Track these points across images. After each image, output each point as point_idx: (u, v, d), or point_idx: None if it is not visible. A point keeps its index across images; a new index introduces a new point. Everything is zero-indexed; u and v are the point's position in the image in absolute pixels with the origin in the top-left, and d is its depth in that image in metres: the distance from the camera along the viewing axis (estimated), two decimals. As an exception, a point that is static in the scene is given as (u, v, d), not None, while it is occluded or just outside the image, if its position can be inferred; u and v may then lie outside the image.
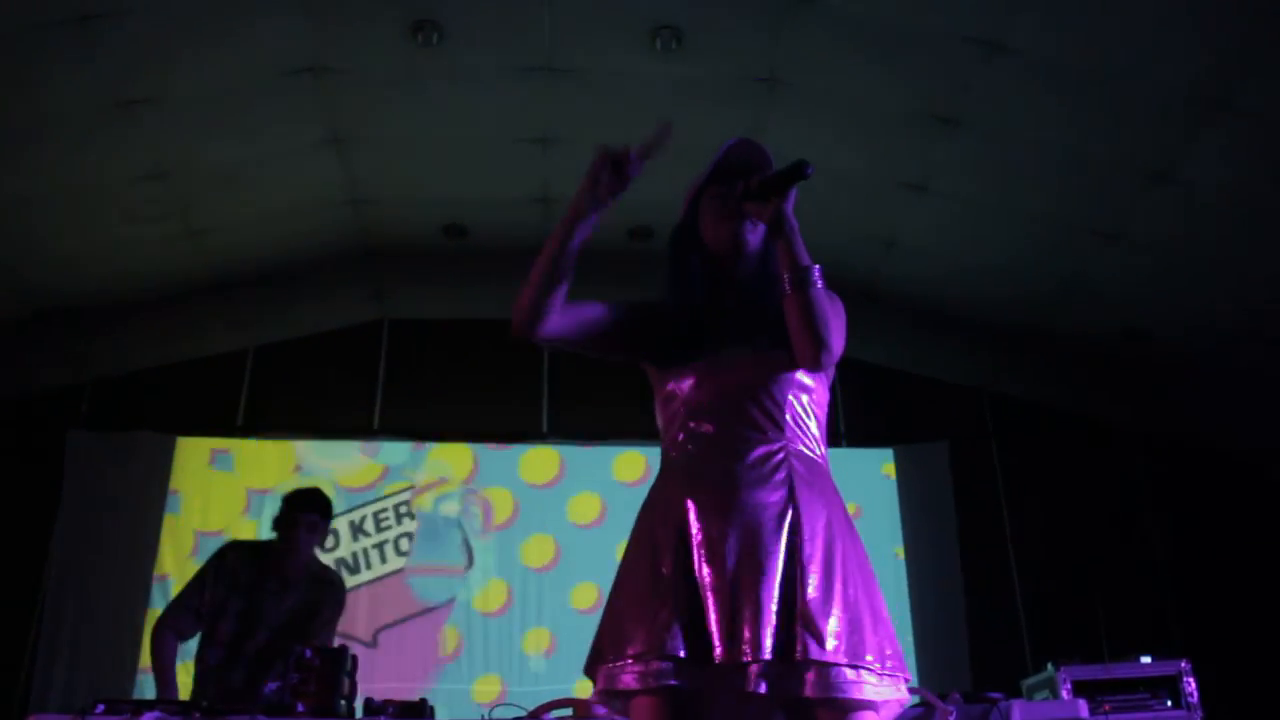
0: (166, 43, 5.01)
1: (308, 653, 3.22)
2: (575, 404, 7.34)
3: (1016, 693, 5.20)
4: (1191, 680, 4.98)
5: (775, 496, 1.94)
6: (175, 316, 7.03)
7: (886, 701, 1.85)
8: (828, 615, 1.83)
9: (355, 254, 7.09)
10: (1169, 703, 4.95)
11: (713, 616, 1.84)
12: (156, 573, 6.71)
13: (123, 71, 5.10)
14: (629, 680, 1.85)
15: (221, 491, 7.01)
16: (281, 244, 6.75)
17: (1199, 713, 4.93)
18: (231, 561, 4.14)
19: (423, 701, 3.34)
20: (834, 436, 7.54)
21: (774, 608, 1.83)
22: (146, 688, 6.31)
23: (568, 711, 3.25)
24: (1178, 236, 5.97)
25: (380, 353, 7.50)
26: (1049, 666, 5.14)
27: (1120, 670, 5.07)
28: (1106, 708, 4.80)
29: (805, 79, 5.54)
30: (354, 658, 3.32)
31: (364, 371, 7.44)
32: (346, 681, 3.21)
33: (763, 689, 1.79)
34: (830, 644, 1.80)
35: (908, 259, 6.72)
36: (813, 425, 2.09)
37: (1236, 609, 6.88)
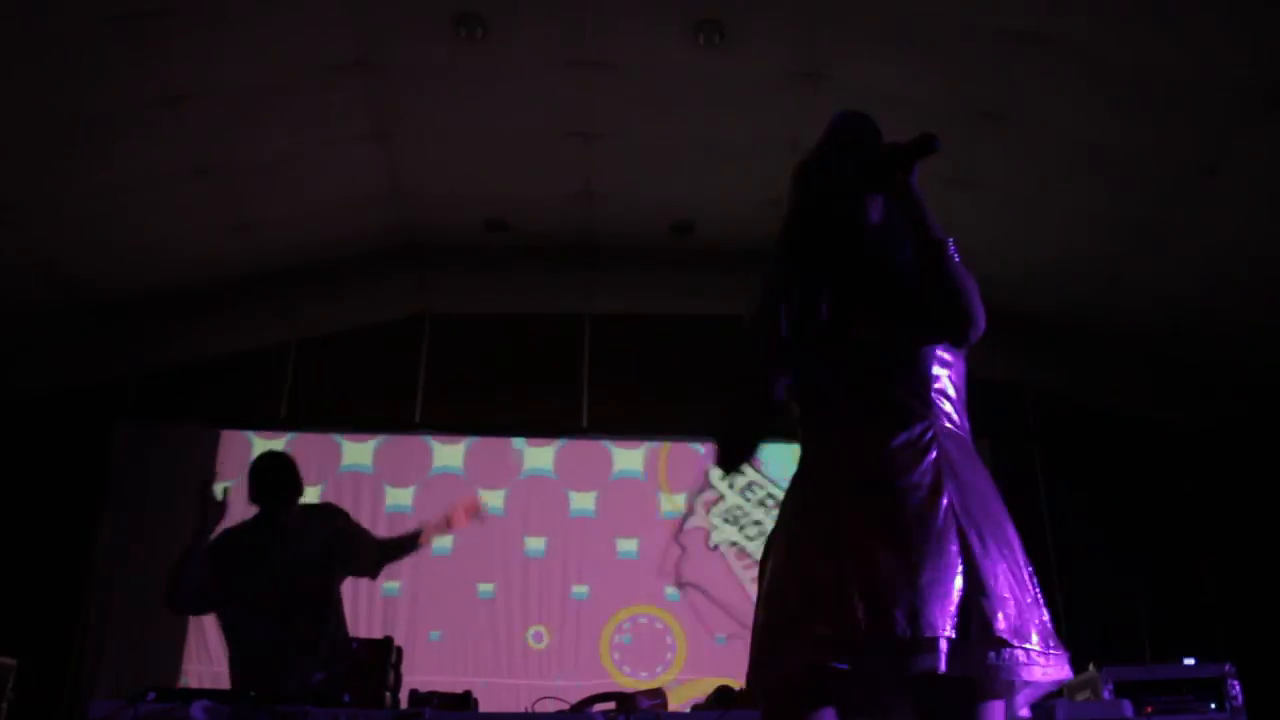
0: (213, 38, 5.06)
1: (354, 644, 3.25)
2: (616, 398, 7.35)
3: (1057, 693, 5.16)
4: (1236, 683, 4.92)
5: (928, 478, 1.90)
6: (220, 309, 7.11)
7: (1055, 680, 1.84)
8: (997, 595, 1.81)
9: (398, 248, 7.14)
10: (1212, 705, 4.89)
11: (877, 602, 1.79)
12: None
13: (170, 67, 5.16)
14: (790, 664, 1.83)
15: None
16: (325, 238, 6.81)
17: (1243, 716, 4.87)
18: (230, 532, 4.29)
19: (467, 694, 3.36)
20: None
21: (951, 586, 1.80)
22: (194, 677, 6.42)
23: (611, 705, 3.26)
24: (1223, 233, 5.90)
25: (422, 347, 7.55)
26: (1090, 667, 5.09)
27: (1163, 672, 5.02)
28: (1149, 710, 4.75)
29: (846, 74, 5.51)
30: (399, 650, 3.35)
31: (406, 365, 7.49)
32: (391, 673, 3.24)
33: (942, 667, 1.75)
34: (1002, 624, 1.78)
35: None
36: (955, 401, 2.05)
37: (1282, 612, 6.79)
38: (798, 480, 2.05)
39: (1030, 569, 1.93)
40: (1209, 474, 7.38)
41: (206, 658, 6.59)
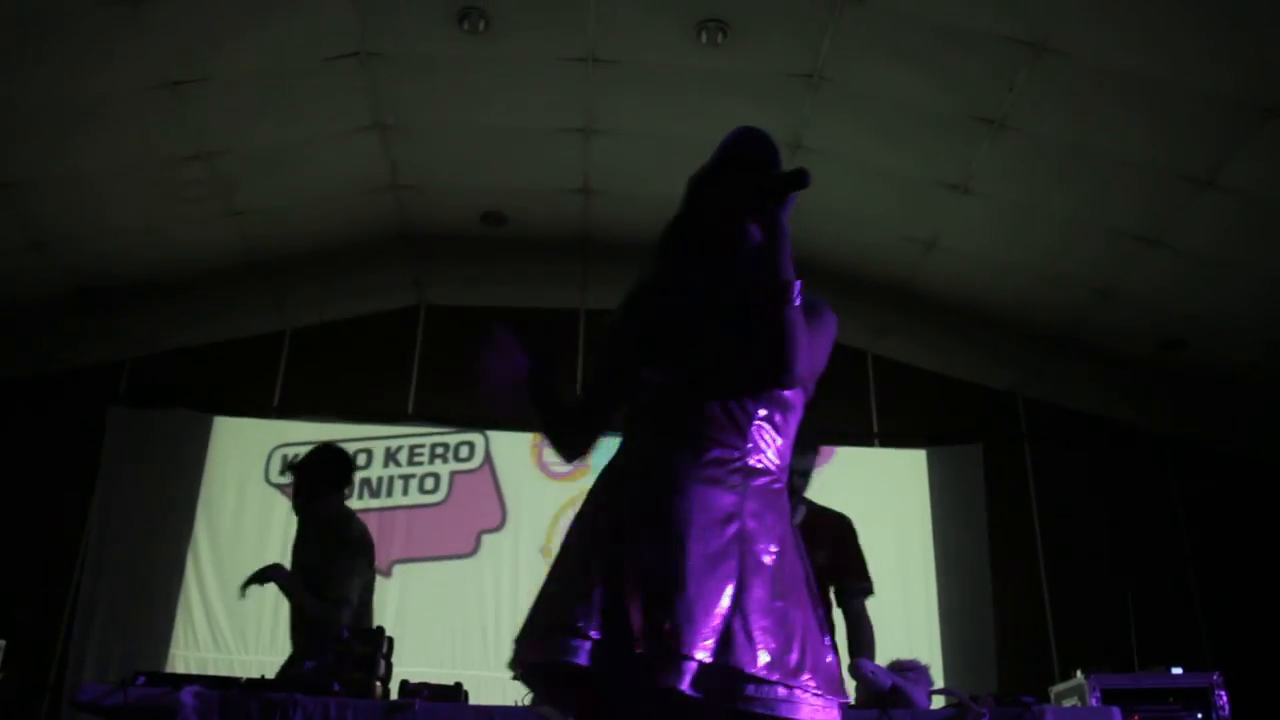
0: (214, 25, 5.04)
1: (344, 633, 3.24)
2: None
3: (1044, 700, 5.18)
4: (1223, 693, 4.94)
5: (726, 501, 1.89)
6: (215, 296, 7.09)
7: None
8: (766, 630, 1.78)
9: (394, 239, 7.12)
10: (1199, 715, 4.91)
11: (637, 608, 1.77)
12: (191, 549, 6.78)
13: (170, 53, 5.13)
14: (536, 654, 1.83)
15: (256, 471, 7.08)
16: (322, 227, 6.79)
17: (1230, 725, 4.90)
18: None
19: (457, 685, 3.36)
20: (867, 436, 7.54)
21: (715, 611, 1.77)
22: (179, 662, 6.42)
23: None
24: (1219, 245, 5.91)
25: (416, 338, 7.55)
26: (1078, 674, 5.11)
27: (1150, 680, 5.04)
28: (1136, 718, 4.77)
29: (848, 77, 5.51)
30: (390, 640, 3.35)
31: (400, 357, 7.49)
32: (382, 663, 3.24)
33: (684, 686, 1.71)
34: (764, 659, 1.75)
35: (947, 260, 6.69)
36: (778, 442, 2.01)
37: (1269, 621, 6.82)
38: (605, 474, 2.03)
39: (821, 613, 1.92)
40: (1197, 482, 7.41)
41: (194, 643, 6.59)
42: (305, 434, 7.11)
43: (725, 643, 1.75)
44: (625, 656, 1.76)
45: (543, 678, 1.90)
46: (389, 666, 3.31)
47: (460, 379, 7.28)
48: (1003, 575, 7.07)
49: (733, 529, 1.87)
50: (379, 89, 5.72)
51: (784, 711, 1.75)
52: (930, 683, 3.43)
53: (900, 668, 3.40)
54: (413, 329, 7.58)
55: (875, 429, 7.53)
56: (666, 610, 1.76)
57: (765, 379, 1.97)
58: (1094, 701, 4.79)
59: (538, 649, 1.83)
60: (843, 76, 5.51)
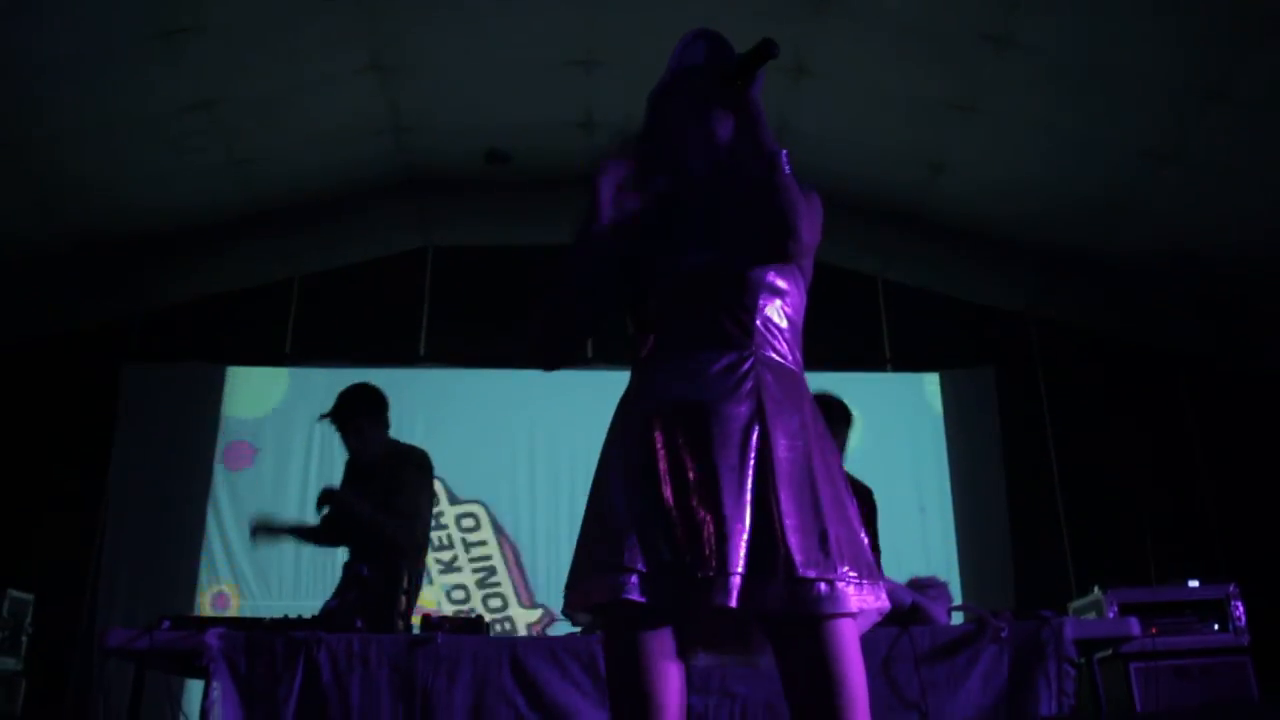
0: (209, -31, 5.00)
1: (364, 570, 3.27)
2: (623, 328, 7.33)
3: (1063, 611, 5.21)
4: (1239, 604, 4.97)
5: (743, 408, 1.88)
6: (221, 247, 7.07)
7: (865, 610, 1.81)
8: (800, 529, 1.79)
9: (399, 181, 7.09)
10: (1216, 626, 4.95)
11: (679, 531, 1.80)
12: (211, 498, 6.85)
13: (166, 1, 5.08)
14: (595, 595, 1.82)
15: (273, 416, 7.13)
16: (325, 172, 6.76)
17: (1246, 636, 4.93)
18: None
19: (479, 618, 3.40)
20: (879, 361, 7.52)
21: (745, 522, 1.79)
22: (204, 608, 6.51)
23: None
24: (1230, 158, 5.84)
25: (425, 280, 7.54)
26: (1095, 589, 5.14)
27: (1167, 594, 5.08)
28: (1154, 630, 4.80)
29: (851, -2, 5.44)
30: (410, 575, 3.38)
31: (410, 299, 7.48)
32: (403, 599, 3.27)
33: (733, 603, 1.74)
34: (802, 558, 1.76)
35: (955, 182, 6.63)
36: (785, 331, 2.00)
37: (1285, 533, 6.83)
38: (624, 402, 2.03)
39: (846, 500, 1.91)
40: (1212, 398, 7.39)
41: (218, 589, 6.68)
42: (319, 381, 7.16)
43: (762, 552, 1.78)
44: (674, 584, 1.78)
45: (597, 615, 1.92)
46: (410, 602, 3.34)
47: (471, 318, 7.34)
48: (1018, 494, 7.08)
49: (754, 436, 1.86)
50: (376, 29, 5.67)
51: (829, 608, 1.76)
52: (950, 599, 3.46)
53: (920, 585, 3.42)
54: (421, 271, 7.56)
55: (887, 354, 7.51)
56: (705, 532, 1.78)
57: (773, 249, 1.95)
58: (1111, 615, 4.82)
59: (592, 589, 1.83)
60: (845, -2, 5.43)
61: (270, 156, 6.46)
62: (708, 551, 1.77)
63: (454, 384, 7.24)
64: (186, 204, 6.63)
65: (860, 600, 1.79)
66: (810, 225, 1.95)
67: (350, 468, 4.43)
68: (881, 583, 1.86)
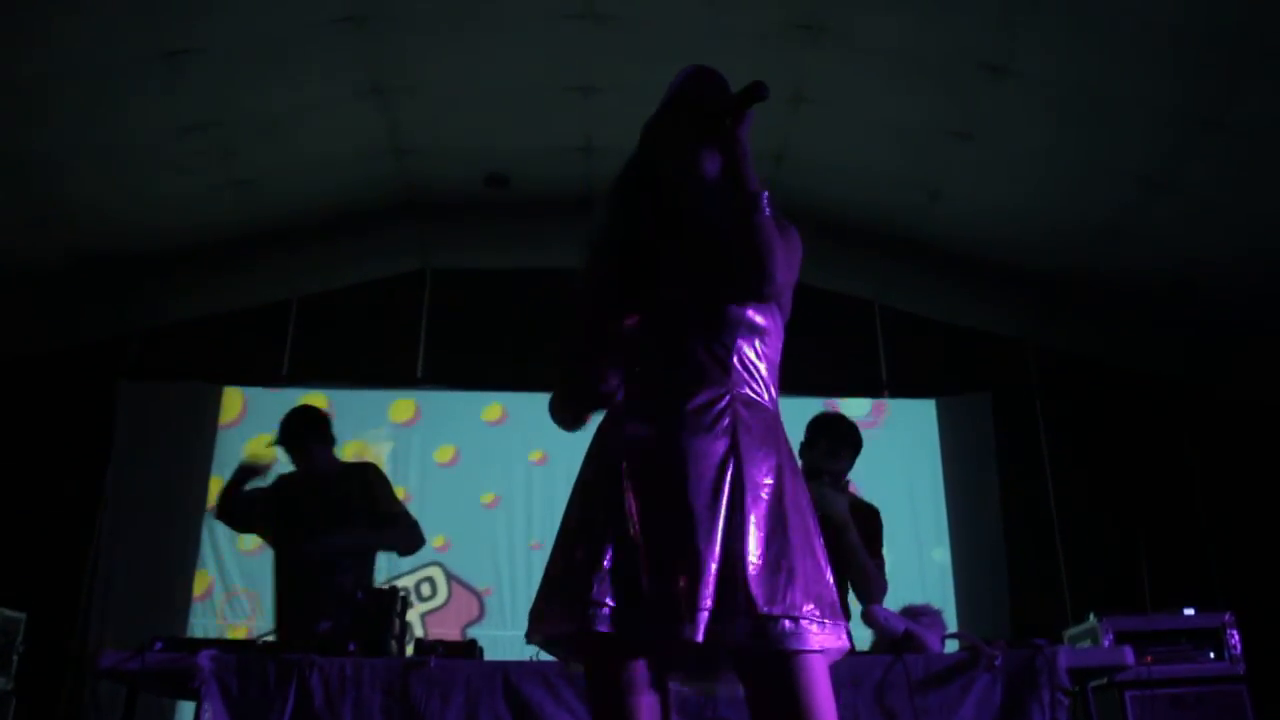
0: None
1: (359, 594, 3.27)
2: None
3: (1058, 643, 5.19)
4: (1235, 632, 4.96)
5: (718, 445, 1.90)
6: (219, 267, 7.08)
7: (826, 650, 1.83)
8: (766, 568, 1.81)
9: (398, 204, 7.10)
10: (1211, 655, 4.94)
11: (649, 565, 1.82)
12: (207, 519, 6.83)
13: (166, 21, 5.09)
14: (562, 625, 1.85)
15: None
16: (324, 194, 6.77)
17: (1242, 665, 4.91)
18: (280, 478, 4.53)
19: (472, 642, 3.39)
20: (876, 387, 7.53)
21: (714, 559, 1.80)
22: (197, 629, 6.48)
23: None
24: (1227, 186, 5.86)
25: (423, 303, 7.55)
26: (1090, 617, 5.13)
27: (1163, 622, 5.06)
28: (1149, 659, 4.79)
29: (849, 25, 5.46)
30: (404, 598, 3.38)
31: (408, 321, 7.49)
32: (397, 621, 3.27)
33: (699, 637, 1.76)
34: (767, 595, 1.78)
35: (953, 209, 6.64)
36: (762, 370, 2.01)
37: (1280, 562, 6.83)
38: (599, 434, 2.05)
39: (816, 539, 1.92)
40: (1208, 426, 7.39)
41: (211, 612, 6.65)
42: (316, 403, 7.16)
43: (729, 588, 1.79)
44: (640, 618, 1.80)
45: (563, 646, 1.94)
46: (404, 625, 3.34)
47: (470, 341, 7.35)
48: (1014, 521, 7.08)
49: (728, 474, 1.88)
50: (377, 52, 5.68)
51: (792, 644, 1.78)
52: (944, 627, 3.44)
53: (913, 613, 3.41)
54: (419, 293, 7.58)
55: (884, 380, 7.52)
56: (673, 568, 1.80)
57: (747, 290, 1.97)
58: (1107, 643, 4.81)
59: (556, 620, 1.86)
60: (843, 25, 5.45)
61: (270, 178, 6.48)
62: (678, 587, 1.78)
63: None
64: (186, 224, 6.64)
65: (822, 639, 1.81)
66: (786, 266, 1.97)
67: (287, 485, 4.50)
68: (843, 622, 1.88)
